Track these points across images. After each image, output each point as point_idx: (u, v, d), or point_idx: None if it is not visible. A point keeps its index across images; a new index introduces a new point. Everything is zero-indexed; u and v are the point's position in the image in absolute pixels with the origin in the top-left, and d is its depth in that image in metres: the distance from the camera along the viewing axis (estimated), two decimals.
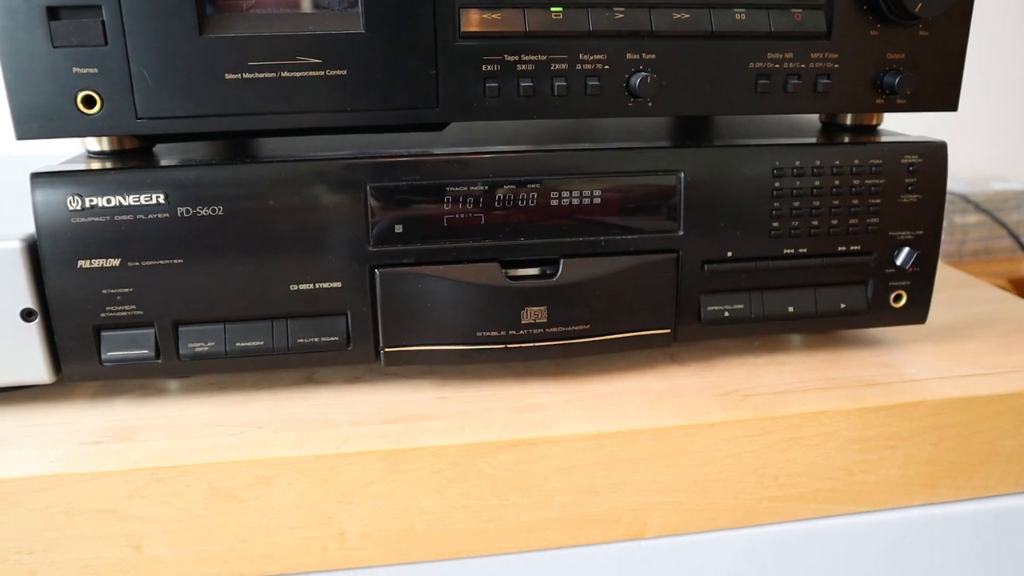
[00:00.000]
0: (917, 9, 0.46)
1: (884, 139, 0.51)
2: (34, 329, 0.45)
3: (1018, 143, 1.41)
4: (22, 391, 0.49)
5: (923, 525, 0.50)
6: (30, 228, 0.44)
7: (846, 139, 0.51)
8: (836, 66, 0.48)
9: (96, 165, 0.46)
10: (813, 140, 0.50)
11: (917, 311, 0.53)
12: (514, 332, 0.47)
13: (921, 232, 0.51)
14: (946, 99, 0.50)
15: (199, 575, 0.43)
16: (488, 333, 0.47)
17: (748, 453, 0.46)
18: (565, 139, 0.50)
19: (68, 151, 0.50)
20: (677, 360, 0.53)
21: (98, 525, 0.41)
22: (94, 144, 0.47)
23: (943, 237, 1.13)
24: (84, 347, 0.45)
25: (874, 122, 0.54)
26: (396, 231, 0.46)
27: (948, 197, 1.12)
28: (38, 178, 0.43)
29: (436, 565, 0.45)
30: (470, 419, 0.46)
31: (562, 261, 0.47)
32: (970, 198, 1.12)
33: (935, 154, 0.50)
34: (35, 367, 0.46)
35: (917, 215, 0.51)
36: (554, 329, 0.47)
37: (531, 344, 0.47)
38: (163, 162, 0.46)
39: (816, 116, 0.57)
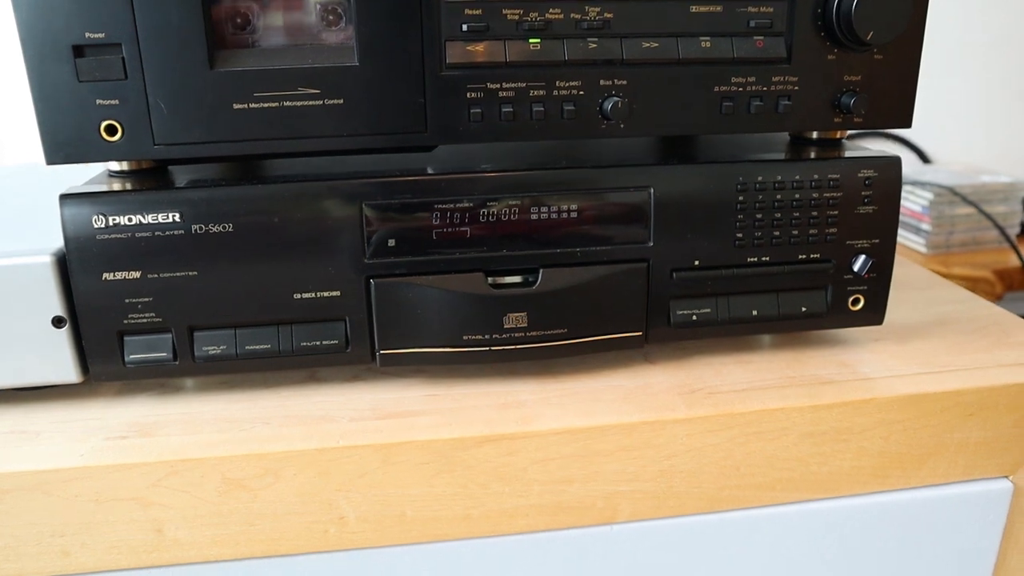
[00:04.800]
0: (868, 37, 0.49)
1: (842, 155, 0.55)
2: (64, 335, 0.50)
3: (1008, 137, 1.44)
4: (53, 389, 0.54)
5: (876, 510, 0.54)
6: (58, 241, 0.49)
7: (811, 153, 0.55)
8: (796, 88, 0.52)
9: (117, 184, 0.51)
10: (775, 157, 0.54)
11: (874, 313, 0.57)
12: (497, 336, 0.52)
13: (877, 240, 0.55)
14: (900, 117, 0.54)
15: (214, 555, 0.48)
16: (474, 336, 0.52)
17: (710, 446, 0.51)
18: (545, 157, 0.54)
19: (90, 167, 0.55)
20: (650, 359, 0.57)
21: (123, 511, 0.47)
22: (115, 164, 0.52)
23: (933, 229, 1.17)
24: (109, 350, 0.50)
25: (838, 135, 0.57)
26: (389, 244, 0.50)
27: (937, 190, 1.16)
28: (66, 199, 0.48)
29: (426, 546, 0.50)
30: (457, 415, 0.50)
31: (541, 271, 0.51)
32: (957, 191, 1.15)
33: (889, 168, 0.54)
34: (65, 368, 0.51)
35: (873, 225, 0.55)
36: (534, 333, 0.52)
37: (513, 347, 0.52)
38: (178, 182, 0.50)
39: None
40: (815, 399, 0.51)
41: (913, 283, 0.70)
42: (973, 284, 1.12)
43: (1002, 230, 1.16)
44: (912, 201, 1.18)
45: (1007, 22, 1.39)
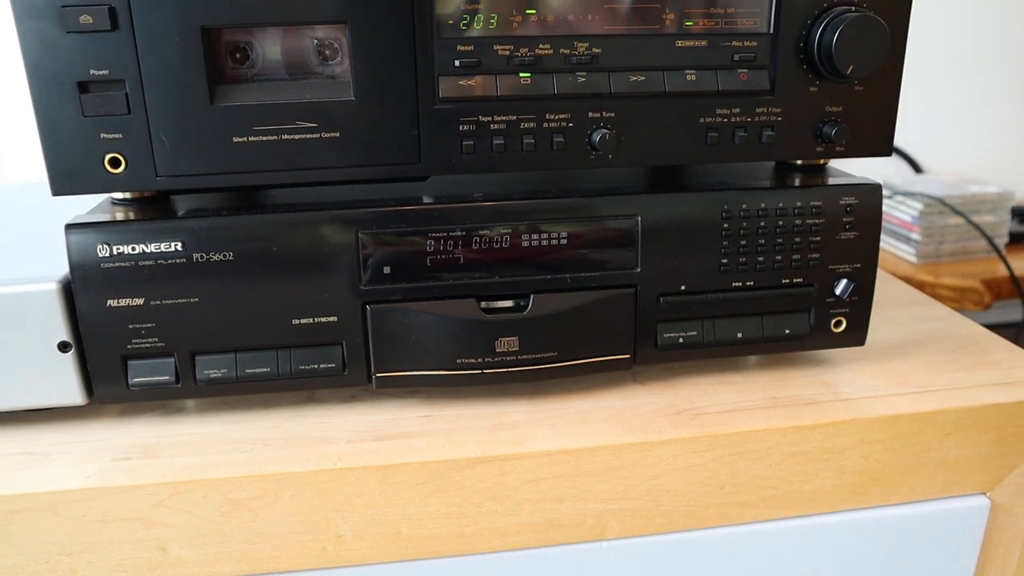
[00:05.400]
0: (849, 71, 0.51)
1: (825, 181, 0.56)
2: (69, 359, 0.51)
3: (998, 145, 1.45)
4: (59, 410, 0.55)
5: (856, 527, 0.56)
6: (63, 267, 0.51)
7: (795, 180, 0.57)
8: (779, 119, 0.53)
9: (120, 212, 0.52)
10: (759, 185, 0.55)
11: (856, 335, 0.58)
12: (490, 359, 0.53)
13: (858, 265, 0.57)
14: (880, 146, 0.56)
15: (216, 573, 0.50)
16: (467, 360, 0.53)
17: (696, 466, 0.52)
18: (536, 184, 0.55)
19: None
20: (638, 379, 0.59)
21: (128, 530, 0.48)
22: (118, 193, 0.53)
23: (922, 239, 1.18)
24: (113, 374, 0.52)
25: (821, 161, 0.59)
26: (385, 271, 0.52)
27: (927, 200, 1.17)
28: (72, 228, 0.50)
29: (420, 563, 0.52)
30: (451, 436, 0.52)
31: (532, 296, 0.53)
32: (946, 201, 1.17)
33: (870, 195, 0.56)
34: (70, 391, 0.52)
35: (854, 250, 0.56)
36: (525, 356, 0.54)
37: (505, 370, 0.54)
38: (179, 211, 0.52)
39: None
40: (797, 420, 0.53)
41: (895, 300, 0.72)
42: (962, 294, 1.13)
43: (990, 240, 1.17)
44: (902, 211, 1.20)
45: (999, 30, 1.41)
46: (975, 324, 0.67)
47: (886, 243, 1.24)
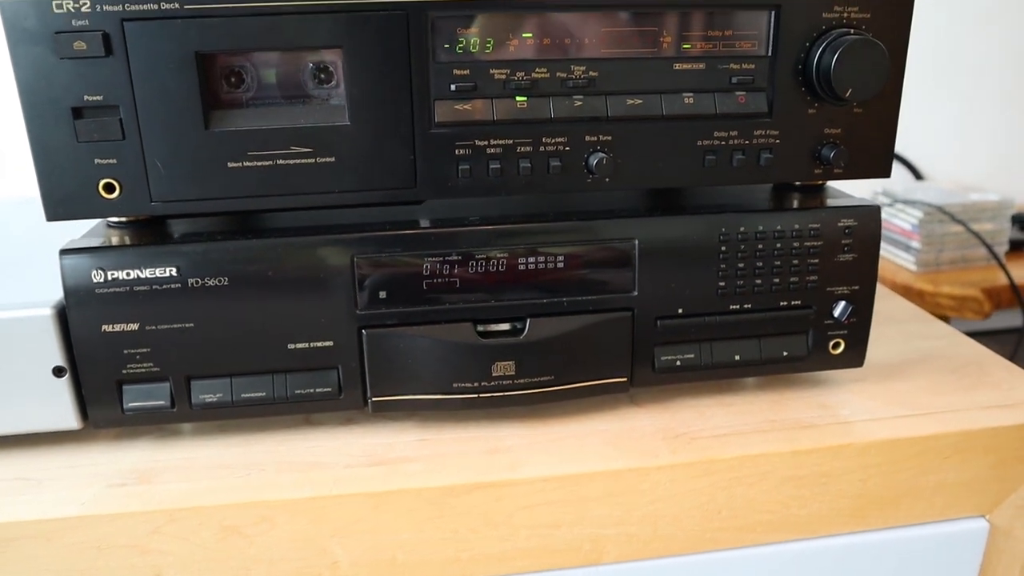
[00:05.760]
0: (847, 95, 0.51)
1: (823, 202, 0.56)
2: (64, 383, 0.51)
3: (999, 154, 1.45)
4: (53, 434, 0.55)
5: (854, 550, 0.56)
6: (58, 289, 0.50)
7: (793, 202, 0.57)
8: (777, 142, 0.53)
9: (115, 235, 0.52)
10: (757, 207, 0.55)
11: (854, 356, 0.58)
12: (486, 383, 0.53)
13: (857, 287, 0.56)
14: (880, 168, 0.55)
15: None
16: (463, 384, 0.53)
17: (693, 491, 0.52)
18: (532, 206, 0.55)
19: None
20: (635, 401, 0.58)
21: (124, 558, 0.48)
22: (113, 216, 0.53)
23: (922, 247, 1.18)
24: (108, 398, 0.51)
25: (819, 182, 0.59)
26: (380, 296, 0.52)
27: (927, 208, 1.17)
28: (66, 254, 0.49)
29: None
30: (447, 461, 0.52)
31: (529, 320, 0.53)
32: (946, 210, 1.17)
33: (869, 217, 0.55)
34: (65, 416, 0.52)
35: (853, 272, 0.56)
36: (521, 380, 0.53)
37: (501, 394, 0.53)
38: (174, 234, 0.52)
39: None
40: (795, 444, 0.53)
41: (894, 317, 0.72)
42: (961, 303, 1.13)
43: (990, 248, 1.17)
44: (902, 219, 1.20)
45: (1000, 37, 1.41)
46: (975, 343, 0.67)
47: (886, 251, 1.24)
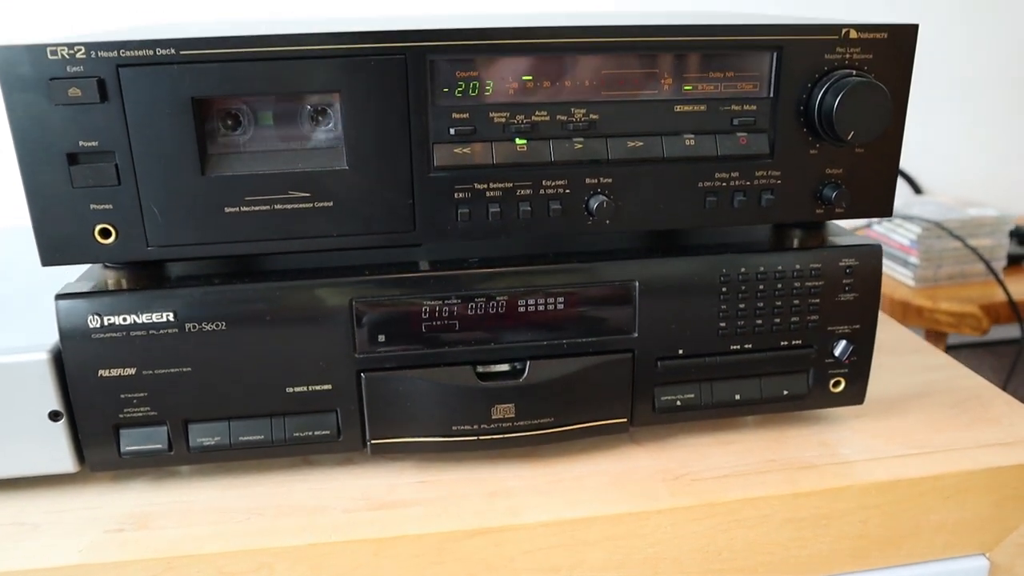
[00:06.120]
0: (849, 137, 0.50)
1: (824, 239, 0.56)
2: (60, 427, 0.51)
3: (997, 166, 1.45)
4: (49, 476, 0.55)
5: None
6: (53, 332, 0.50)
7: (793, 241, 0.56)
8: (779, 182, 0.53)
9: (111, 278, 0.52)
10: (758, 247, 0.55)
11: (854, 394, 0.58)
12: (485, 426, 0.53)
13: (858, 326, 0.56)
14: (881, 207, 0.55)
15: None
16: (462, 427, 0.53)
17: (693, 534, 0.52)
18: (533, 246, 0.55)
19: None
20: (635, 439, 0.58)
21: None
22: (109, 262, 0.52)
23: (920, 262, 1.18)
24: (105, 442, 0.51)
25: (820, 219, 0.58)
26: (379, 339, 0.51)
27: (925, 224, 1.17)
28: (62, 299, 0.49)
29: None
30: (447, 505, 0.52)
31: (529, 363, 0.53)
32: (944, 225, 1.16)
33: (870, 256, 0.55)
34: (61, 460, 0.52)
35: (854, 311, 0.56)
36: (521, 423, 0.53)
37: (501, 436, 0.53)
38: (172, 276, 0.51)
39: None
40: (795, 486, 0.53)
41: (893, 347, 0.72)
42: (960, 319, 1.13)
43: (988, 264, 1.17)
44: (900, 235, 1.20)
45: (1001, 49, 1.40)
46: (974, 375, 0.67)
47: (884, 266, 1.24)
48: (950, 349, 1.62)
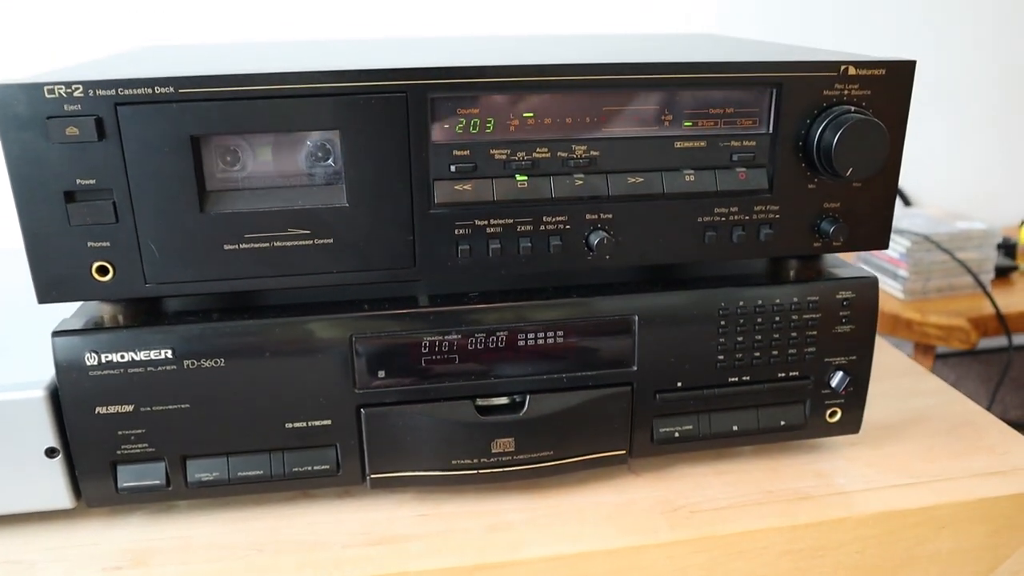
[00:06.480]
0: (848, 174, 0.51)
1: (820, 273, 0.56)
2: (57, 464, 0.50)
3: (987, 180, 1.46)
4: (46, 512, 0.54)
5: None
6: (50, 367, 0.49)
7: (790, 271, 0.57)
8: (777, 217, 0.53)
9: (108, 311, 0.51)
10: (756, 282, 0.55)
11: (850, 423, 0.58)
12: (485, 460, 0.53)
13: (854, 357, 0.57)
14: (878, 240, 0.55)
15: None
16: (462, 461, 0.53)
17: (692, 566, 0.52)
18: (533, 281, 0.55)
19: None
20: (633, 470, 0.58)
21: None
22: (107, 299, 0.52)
23: (910, 276, 1.19)
24: (102, 478, 0.51)
25: (817, 252, 0.59)
26: (379, 375, 0.51)
27: (914, 237, 1.17)
28: (59, 336, 0.48)
29: None
30: (447, 539, 0.52)
31: (528, 397, 0.53)
32: (932, 238, 1.17)
33: (867, 289, 0.56)
34: (58, 496, 0.51)
35: (851, 343, 0.56)
36: (521, 456, 0.53)
37: (500, 469, 0.53)
38: (169, 311, 0.51)
39: None
40: (793, 519, 0.53)
41: (887, 371, 0.72)
42: (949, 332, 1.14)
43: (976, 277, 1.18)
44: (890, 248, 1.20)
45: (990, 62, 1.41)
46: (967, 400, 0.67)
47: None
48: (939, 358, 1.63)
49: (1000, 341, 1.27)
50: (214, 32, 1.18)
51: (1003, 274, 1.26)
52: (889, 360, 0.74)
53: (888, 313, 1.17)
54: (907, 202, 1.41)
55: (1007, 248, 1.30)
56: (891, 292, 1.21)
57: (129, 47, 0.71)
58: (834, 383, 0.56)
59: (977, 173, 1.47)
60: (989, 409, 1.38)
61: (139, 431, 0.50)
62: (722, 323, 0.54)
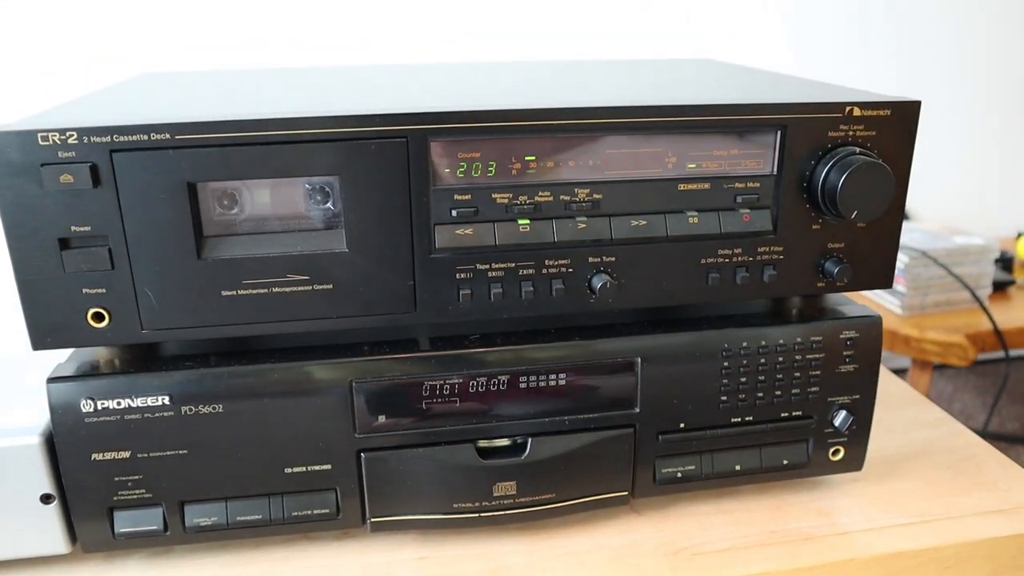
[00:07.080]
0: (852, 216, 0.50)
1: (823, 312, 0.56)
2: (52, 510, 0.50)
3: (984, 199, 1.46)
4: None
5: None
6: (45, 412, 0.49)
7: (793, 310, 0.56)
8: (781, 258, 0.53)
9: (104, 355, 0.50)
10: (760, 322, 0.54)
11: (853, 461, 0.58)
12: (487, 503, 0.52)
13: (857, 396, 0.56)
14: (881, 279, 0.55)
15: None
16: (463, 504, 0.52)
17: None
18: (535, 323, 0.54)
19: None
20: (636, 510, 0.58)
21: None
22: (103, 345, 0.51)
23: (908, 291, 1.19)
24: (98, 524, 0.50)
25: (821, 292, 0.58)
26: (379, 419, 0.50)
27: (912, 253, 1.17)
28: (54, 383, 0.48)
29: None
30: None
31: (530, 440, 0.52)
32: (930, 254, 1.17)
33: (870, 328, 0.55)
34: (54, 542, 0.51)
35: (854, 382, 0.56)
36: (523, 499, 0.53)
37: (502, 512, 0.53)
38: (166, 355, 0.50)
39: None
40: (796, 560, 0.53)
41: (888, 401, 0.72)
42: (946, 348, 1.14)
43: (973, 293, 1.18)
44: None
45: (990, 75, 1.41)
46: (969, 432, 0.67)
47: (872, 294, 1.25)
48: (937, 369, 1.64)
49: (998, 353, 1.27)
50: (211, 46, 1.17)
51: (1001, 288, 1.26)
52: (888, 390, 0.74)
53: (886, 329, 1.17)
54: (906, 217, 1.41)
55: (1004, 262, 1.30)
56: (889, 307, 1.21)
57: (126, 77, 0.70)
58: (837, 422, 0.56)
59: (974, 186, 1.47)
60: (987, 423, 1.38)
61: (136, 477, 0.49)
62: (725, 364, 0.53)
